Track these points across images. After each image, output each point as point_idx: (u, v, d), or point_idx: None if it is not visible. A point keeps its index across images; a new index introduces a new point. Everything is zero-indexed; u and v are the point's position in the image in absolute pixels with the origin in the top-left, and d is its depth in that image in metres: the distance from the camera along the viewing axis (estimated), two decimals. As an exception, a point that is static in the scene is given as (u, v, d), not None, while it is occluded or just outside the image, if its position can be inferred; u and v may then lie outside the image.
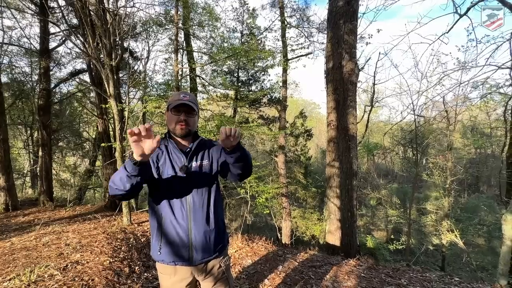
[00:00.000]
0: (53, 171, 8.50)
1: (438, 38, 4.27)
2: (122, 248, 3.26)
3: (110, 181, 1.09)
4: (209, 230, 1.24)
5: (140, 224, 4.56)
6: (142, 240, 3.70)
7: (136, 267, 2.77)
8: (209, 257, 1.25)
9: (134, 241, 3.59)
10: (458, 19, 3.89)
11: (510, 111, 6.95)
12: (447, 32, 4.21)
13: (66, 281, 2.26)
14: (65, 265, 2.60)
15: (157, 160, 1.23)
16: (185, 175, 1.22)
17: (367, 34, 7.37)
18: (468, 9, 3.72)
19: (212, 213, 1.26)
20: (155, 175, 1.21)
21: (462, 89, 9.37)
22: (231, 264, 2.99)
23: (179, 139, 1.29)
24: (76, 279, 2.32)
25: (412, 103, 9.09)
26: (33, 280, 2.24)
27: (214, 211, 1.27)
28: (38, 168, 7.16)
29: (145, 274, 2.68)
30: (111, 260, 2.80)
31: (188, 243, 1.20)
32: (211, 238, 1.24)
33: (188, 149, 1.27)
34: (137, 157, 0.95)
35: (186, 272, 1.25)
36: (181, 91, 1.28)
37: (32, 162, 10.19)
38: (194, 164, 1.26)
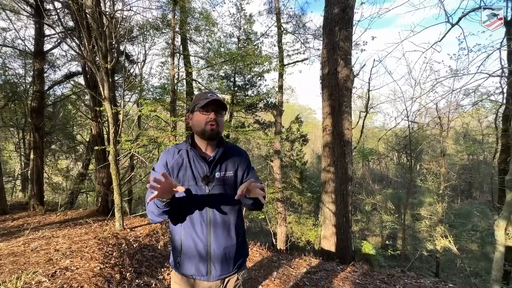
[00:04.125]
0: (45, 175, 8.33)
1: (431, 47, 4.35)
2: (114, 254, 3.18)
3: (149, 212, 1.12)
4: (230, 246, 1.18)
5: (133, 229, 4.47)
6: (134, 245, 3.62)
7: (128, 274, 2.71)
8: (227, 274, 1.20)
9: (126, 247, 3.52)
10: (450, 28, 3.97)
11: (501, 118, 7.08)
12: (439, 41, 4.29)
13: (54, 288, 2.19)
14: (53, 271, 2.53)
15: (179, 170, 1.16)
16: (207, 186, 1.16)
17: (362, 41, 7.51)
18: (460, 18, 3.82)
19: (234, 228, 1.20)
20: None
21: (455, 96, 9.54)
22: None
23: (202, 146, 1.21)
24: (65, 286, 2.26)
25: (406, 109, 9.24)
26: (20, 287, 2.17)
27: (235, 225, 1.21)
28: (29, 171, 7.02)
29: (137, 280, 2.62)
30: (102, 266, 2.73)
31: (207, 258, 1.15)
32: (231, 254, 1.19)
33: (211, 157, 1.18)
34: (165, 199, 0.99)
35: (202, 286, 1.19)
36: (206, 91, 1.23)
37: (23, 165, 9.98)
38: (217, 174, 1.18)
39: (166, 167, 1.16)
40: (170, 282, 2.69)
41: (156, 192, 0.90)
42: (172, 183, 0.95)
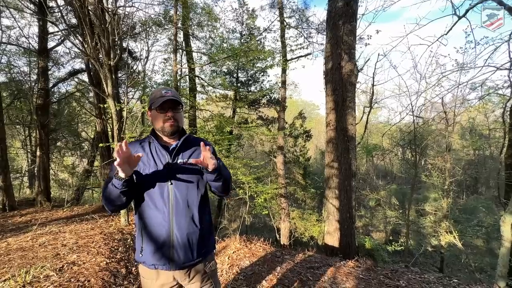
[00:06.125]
0: (51, 171, 8.46)
1: (437, 40, 4.27)
2: (119, 249, 3.24)
3: (104, 201, 1.14)
4: (193, 233, 1.18)
5: (138, 224, 4.53)
6: (139, 240, 3.67)
7: (133, 268, 2.76)
8: (191, 262, 1.19)
9: (131, 242, 3.57)
10: (457, 21, 3.89)
11: (508, 113, 6.96)
12: (446, 34, 4.21)
13: (61, 282, 2.24)
14: (61, 266, 2.58)
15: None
16: (168, 173, 1.17)
17: (366, 35, 7.40)
18: (467, 11, 3.73)
19: (197, 215, 1.20)
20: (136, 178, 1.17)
21: (461, 90, 9.41)
22: (229, 266, 2.98)
23: (164, 137, 1.24)
24: (72, 280, 2.30)
25: (411, 104, 9.10)
26: (28, 281, 2.22)
27: (199, 212, 1.21)
28: (36, 168, 7.13)
29: (142, 275, 2.66)
30: (108, 261, 2.78)
31: (170, 245, 1.15)
32: (193, 241, 1.18)
33: (173, 146, 1.22)
34: (123, 176, 1.02)
35: (168, 277, 1.20)
36: (162, 87, 1.24)
37: (30, 162, 10.14)
38: (179, 162, 1.20)
39: None
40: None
41: (119, 160, 0.96)
42: (132, 155, 1.01)
